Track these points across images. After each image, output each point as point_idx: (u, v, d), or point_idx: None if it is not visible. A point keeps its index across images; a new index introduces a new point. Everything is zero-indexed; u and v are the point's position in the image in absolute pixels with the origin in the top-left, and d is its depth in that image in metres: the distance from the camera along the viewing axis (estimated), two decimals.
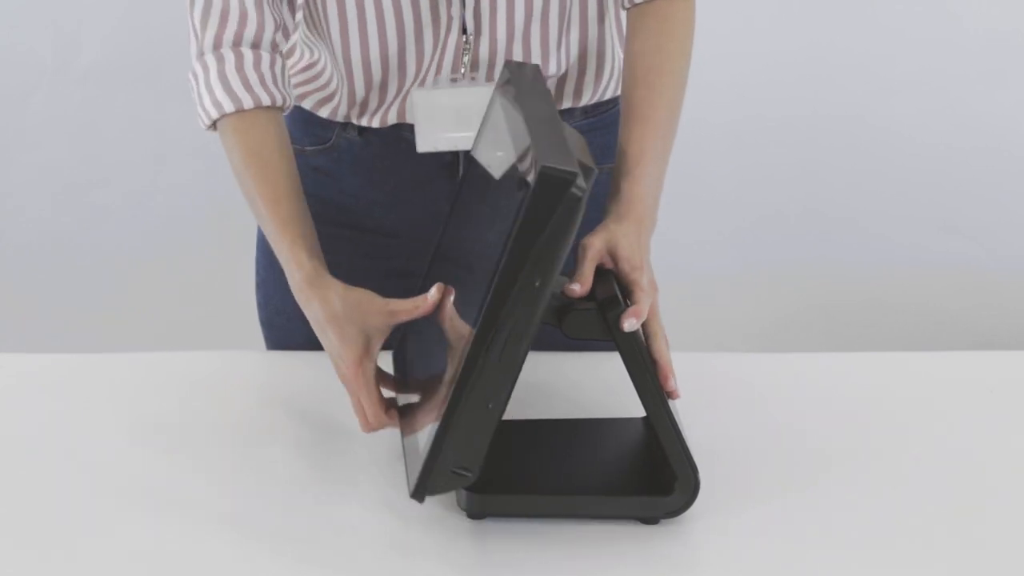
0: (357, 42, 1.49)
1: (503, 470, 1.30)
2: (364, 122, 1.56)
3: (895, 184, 2.97)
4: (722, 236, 2.98)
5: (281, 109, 1.46)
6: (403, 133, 1.55)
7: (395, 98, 1.53)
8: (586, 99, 1.57)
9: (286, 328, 1.64)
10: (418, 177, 1.57)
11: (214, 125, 1.47)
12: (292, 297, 1.63)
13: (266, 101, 1.44)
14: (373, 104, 1.54)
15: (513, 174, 1.18)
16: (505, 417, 1.39)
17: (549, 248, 1.13)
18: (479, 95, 1.45)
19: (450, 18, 1.47)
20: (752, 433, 1.42)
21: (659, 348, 1.28)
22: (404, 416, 1.32)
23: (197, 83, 1.47)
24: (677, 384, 1.26)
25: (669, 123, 1.44)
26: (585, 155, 1.19)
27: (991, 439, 1.42)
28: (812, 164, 2.97)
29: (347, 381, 1.31)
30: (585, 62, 1.55)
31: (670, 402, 1.25)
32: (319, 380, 1.50)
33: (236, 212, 2.82)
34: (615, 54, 1.58)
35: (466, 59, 1.49)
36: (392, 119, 1.54)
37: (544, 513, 1.26)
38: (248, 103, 1.44)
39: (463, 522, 1.26)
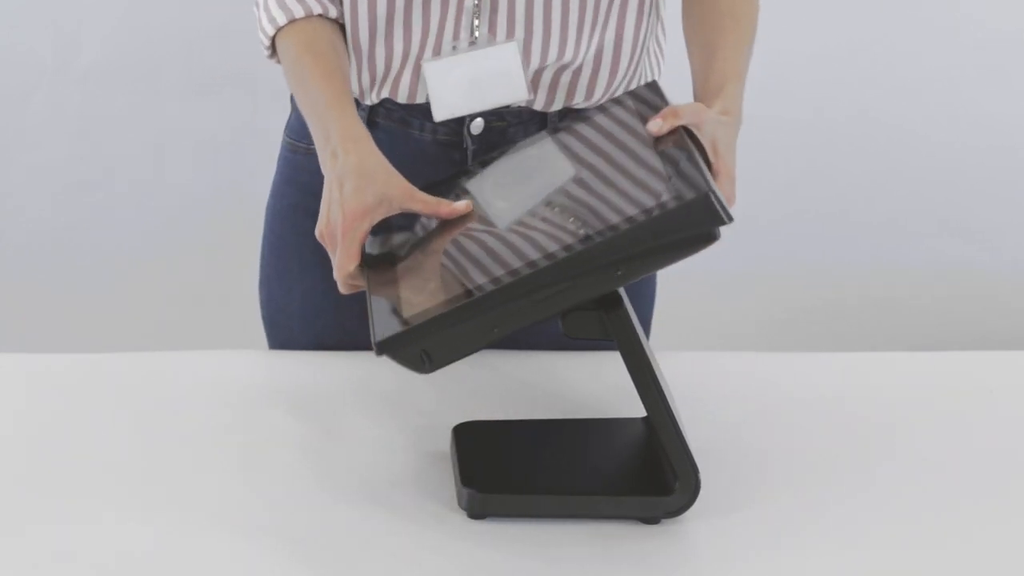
0: None
1: (503, 470, 1.30)
2: (373, 96, 1.54)
3: (895, 184, 2.97)
4: (723, 235, 2.98)
5: (335, 21, 1.50)
6: (411, 129, 1.54)
7: (403, 65, 1.52)
8: (596, 97, 1.56)
9: (287, 326, 1.65)
10: (425, 172, 1.56)
11: (274, 51, 1.51)
12: (294, 295, 1.63)
13: (317, 10, 1.49)
14: (380, 66, 1.53)
15: (660, 173, 1.21)
16: (505, 417, 1.39)
17: (656, 256, 1.17)
18: (493, 56, 1.46)
19: None
20: (752, 433, 1.42)
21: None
22: (382, 271, 1.32)
23: (258, 9, 1.52)
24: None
25: (749, 42, 1.51)
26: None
27: (991, 439, 1.42)
28: (811, 164, 2.97)
29: (335, 233, 1.33)
30: (601, 58, 1.54)
31: (670, 402, 1.25)
32: (320, 380, 1.50)
33: (236, 212, 2.84)
34: (631, 56, 1.57)
35: (477, 23, 1.49)
36: (403, 94, 1.53)
37: (544, 513, 1.26)
38: (299, 12, 1.48)
39: (463, 522, 1.26)
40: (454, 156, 1.54)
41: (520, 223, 1.29)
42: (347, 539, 1.23)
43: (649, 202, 1.20)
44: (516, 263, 1.21)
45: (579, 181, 1.33)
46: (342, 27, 1.52)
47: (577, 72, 1.53)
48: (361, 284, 1.35)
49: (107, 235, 2.94)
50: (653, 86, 1.41)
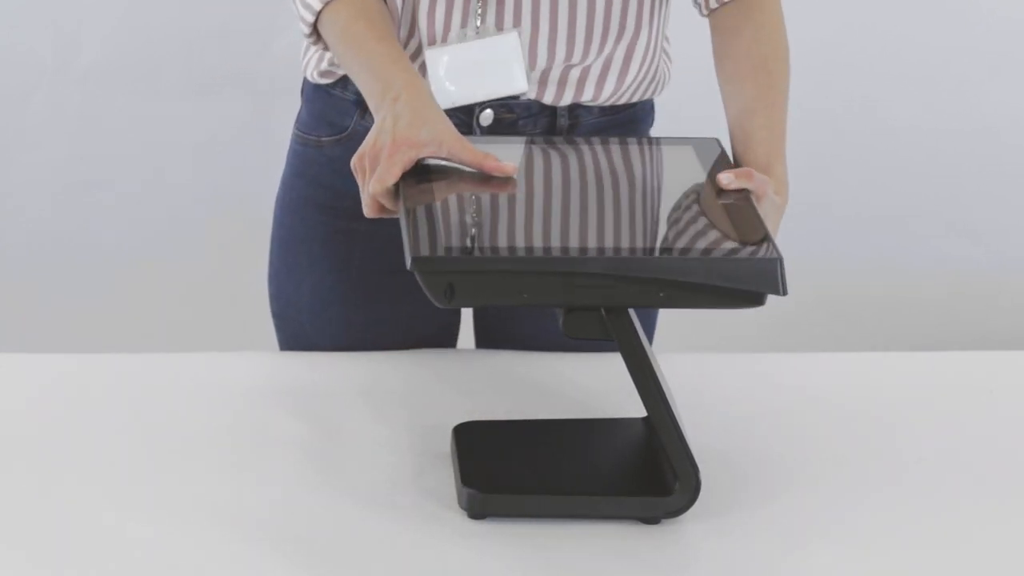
0: None
1: (503, 470, 1.30)
2: None
3: (896, 183, 2.97)
4: None
5: None
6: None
7: (415, 55, 1.51)
8: (604, 97, 1.56)
9: (296, 320, 1.65)
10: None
11: (315, 32, 1.48)
12: (303, 289, 1.63)
13: None
14: None
15: (726, 222, 1.26)
16: (505, 417, 1.39)
17: (703, 296, 1.19)
18: (494, 46, 1.46)
19: None
20: (752, 433, 1.42)
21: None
22: (421, 188, 1.32)
23: None
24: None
25: (786, 105, 1.56)
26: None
27: (991, 439, 1.42)
28: (811, 162, 2.96)
29: (379, 154, 1.33)
30: (611, 65, 1.54)
31: (670, 402, 1.25)
32: (320, 381, 1.50)
33: (236, 212, 2.84)
34: (642, 63, 1.57)
35: (479, 10, 1.49)
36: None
37: (544, 513, 1.26)
38: None
39: (463, 522, 1.26)
40: None
41: (578, 205, 1.30)
42: (347, 539, 1.23)
43: (719, 242, 1.23)
44: (570, 241, 1.22)
45: (643, 195, 1.35)
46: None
47: (586, 71, 1.53)
48: (389, 210, 1.35)
49: (107, 235, 2.94)
50: (714, 143, 1.45)
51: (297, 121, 1.63)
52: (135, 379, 1.51)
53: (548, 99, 1.52)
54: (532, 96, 1.51)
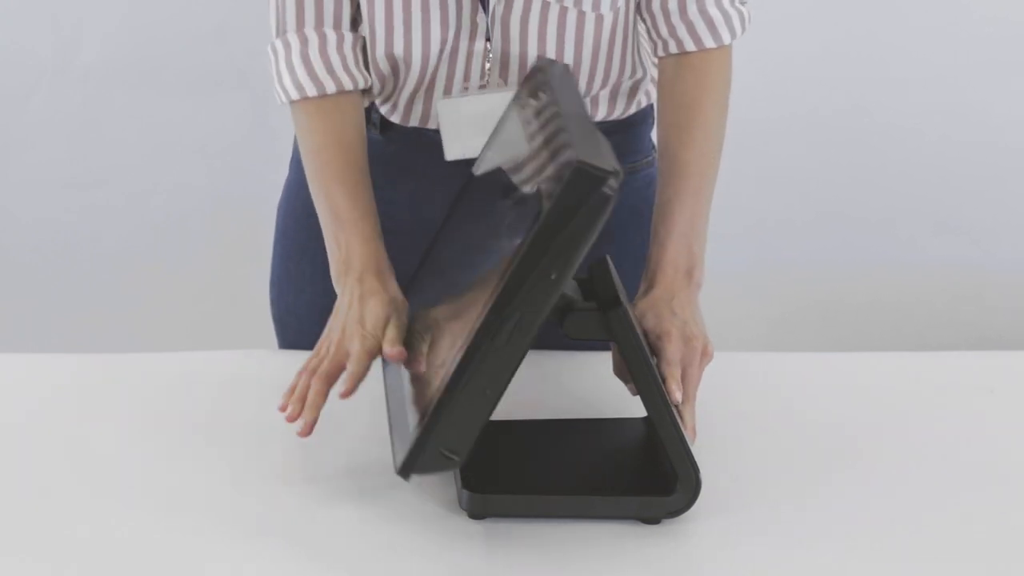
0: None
1: (503, 470, 1.30)
2: (385, 111, 1.54)
3: (896, 183, 2.97)
4: (721, 235, 2.98)
5: (361, 92, 1.48)
6: (426, 133, 1.54)
7: (415, 90, 1.51)
8: (618, 115, 1.57)
9: (296, 328, 1.65)
10: (440, 177, 1.56)
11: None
12: (303, 298, 1.63)
13: (349, 85, 1.45)
14: (388, 87, 1.53)
15: (542, 167, 1.18)
16: (505, 417, 1.39)
17: (571, 243, 1.13)
18: (502, 100, 1.44)
19: (474, 25, 1.46)
20: (752, 433, 1.42)
21: (685, 414, 1.30)
22: (394, 391, 1.32)
23: (277, 59, 1.47)
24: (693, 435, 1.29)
25: (701, 178, 1.46)
26: (614, 159, 1.19)
27: (991, 439, 1.42)
28: (811, 162, 2.96)
29: (357, 349, 1.32)
30: (621, 79, 1.55)
31: (671, 402, 1.26)
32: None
33: (236, 212, 2.84)
34: (646, 68, 1.57)
35: (488, 68, 1.49)
36: (415, 119, 1.54)
37: (545, 513, 1.26)
38: (331, 88, 1.45)
39: (463, 522, 1.26)
40: (469, 161, 1.55)
41: (450, 303, 1.30)
42: (348, 539, 1.23)
43: (535, 206, 1.16)
44: (461, 331, 1.20)
45: (471, 233, 1.33)
46: (365, 92, 1.50)
47: (595, 98, 1.54)
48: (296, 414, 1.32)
49: (107, 235, 2.94)
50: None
51: None
52: (135, 379, 1.51)
53: None
54: None
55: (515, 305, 1.14)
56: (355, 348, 1.32)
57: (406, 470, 1.19)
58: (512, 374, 1.17)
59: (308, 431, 1.30)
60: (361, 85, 1.47)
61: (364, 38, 1.49)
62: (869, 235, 3.00)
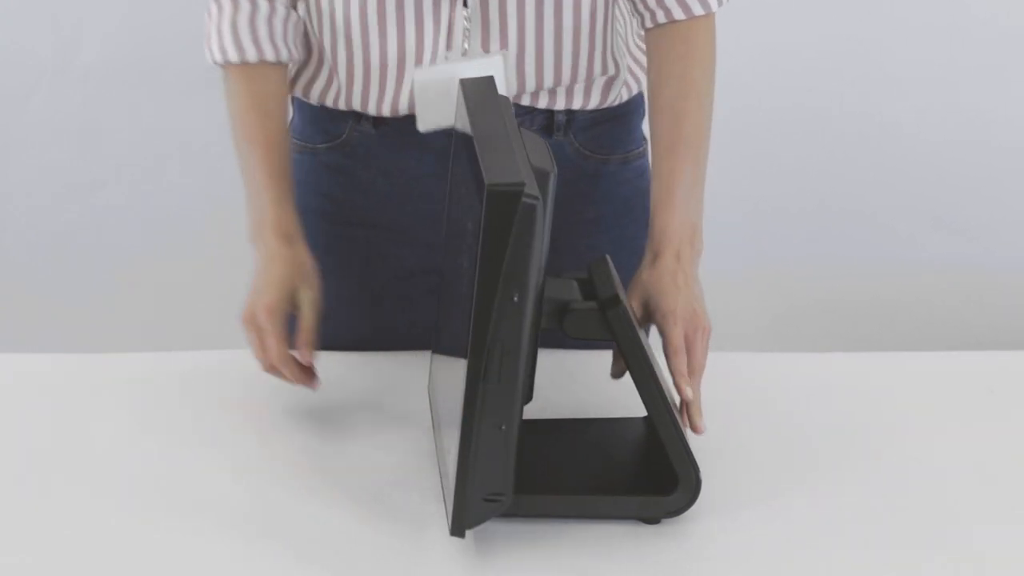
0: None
1: None
2: (372, 110, 1.55)
3: (896, 182, 2.97)
4: (721, 234, 2.98)
5: (286, 65, 1.51)
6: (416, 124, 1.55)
7: (399, 79, 1.52)
8: (594, 105, 1.57)
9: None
10: (431, 168, 1.56)
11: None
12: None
13: (271, 57, 1.49)
14: (375, 86, 1.53)
15: (473, 197, 1.18)
16: None
17: (518, 261, 1.12)
18: (477, 69, 1.45)
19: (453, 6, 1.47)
20: (752, 433, 1.42)
21: (681, 387, 1.32)
22: (440, 441, 1.32)
23: (210, 21, 1.51)
24: (702, 422, 1.32)
25: (698, 149, 1.47)
26: (543, 158, 1.18)
27: (991, 439, 1.42)
28: (811, 160, 2.96)
29: (257, 318, 1.41)
30: (592, 73, 1.55)
31: (670, 402, 1.25)
32: (321, 380, 1.50)
33: (236, 212, 2.83)
34: (619, 66, 1.57)
35: (466, 43, 1.49)
36: (403, 107, 1.53)
37: (545, 513, 1.26)
38: (253, 57, 1.48)
39: None
40: None
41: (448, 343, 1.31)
42: (347, 539, 1.23)
43: (475, 237, 1.15)
44: (460, 375, 1.19)
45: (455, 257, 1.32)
46: (286, 67, 1.53)
47: (571, 89, 1.54)
48: (294, 376, 1.41)
49: (107, 235, 2.94)
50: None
51: (291, 128, 1.63)
52: (135, 379, 1.51)
53: (542, 104, 1.54)
54: (524, 103, 1.52)
55: (491, 340, 1.14)
56: (264, 322, 1.41)
57: (458, 529, 1.19)
58: (519, 399, 1.17)
59: (309, 376, 1.41)
60: (284, 58, 1.50)
61: (304, 20, 1.52)
62: (869, 234, 3.00)
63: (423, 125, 1.50)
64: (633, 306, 1.39)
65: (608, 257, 1.32)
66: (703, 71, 1.50)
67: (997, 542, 1.25)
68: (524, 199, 1.10)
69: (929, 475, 1.35)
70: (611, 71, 1.55)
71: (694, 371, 1.35)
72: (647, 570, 1.20)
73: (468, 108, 1.27)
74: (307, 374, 1.41)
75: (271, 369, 1.40)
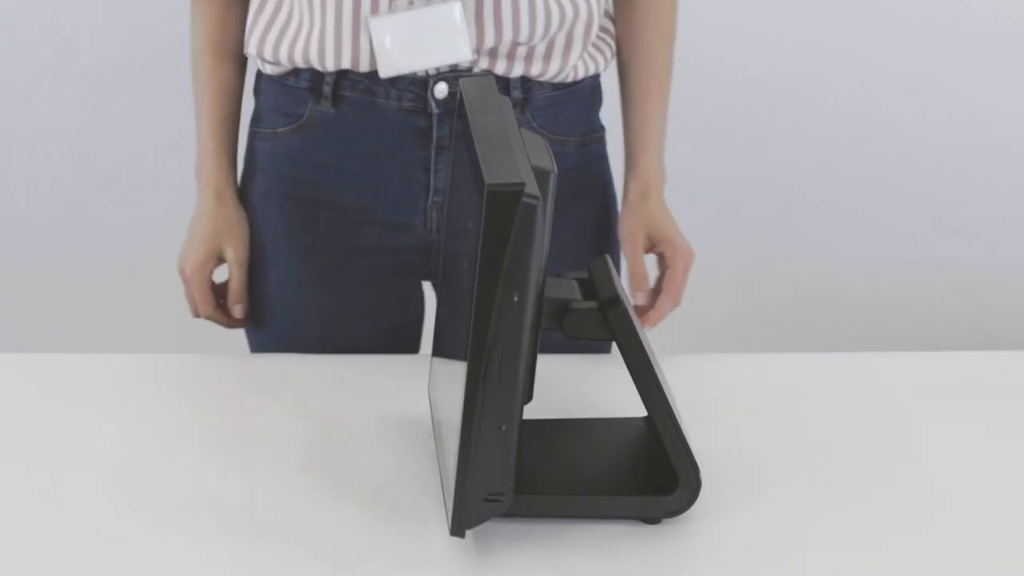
0: None
1: None
2: (331, 64, 1.53)
3: (896, 182, 2.97)
4: (721, 235, 2.98)
5: (246, 9, 1.60)
6: (376, 99, 1.55)
7: (355, 29, 1.52)
8: (551, 75, 1.57)
9: (267, 314, 1.66)
10: (389, 145, 1.56)
11: None
12: (271, 282, 1.65)
13: None
14: (330, 37, 1.52)
15: (474, 197, 1.18)
16: None
17: (517, 262, 1.12)
18: (437, 15, 1.48)
19: None
20: (752, 433, 1.42)
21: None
22: (440, 442, 1.32)
23: None
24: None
25: (666, 90, 1.66)
26: (543, 158, 1.18)
27: (991, 439, 1.42)
28: (811, 160, 2.97)
29: (184, 273, 1.67)
30: (553, 46, 1.55)
31: (670, 402, 1.25)
32: (319, 380, 1.50)
33: None
34: (585, 40, 1.58)
35: None
36: (365, 60, 1.53)
37: (545, 513, 1.26)
38: None
39: None
40: (419, 123, 1.55)
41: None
42: (347, 539, 1.23)
43: (476, 237, 1.15)
44: (460, 375, 1.19)
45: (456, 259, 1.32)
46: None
47: (531, 50, 1.54)
48: (224, 319, 1.66)
49: (107, 235, 2.94)
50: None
51: (253, 117, 1.66)
52: (135, 379, 1.51)
53: (499, 70, 1.54)
54: (483, 67, 1.52)
55: (491, 340, 1.14)
56: (189, 278, 1.65)
57: (457, 529, 1.19)
58: (519, 400, 1.17)
59: (239, 316, 1.67)
60: None
61: None
62: (870, 235, 3.00)
63: (384, 71, 1.51)
64: (637, 238, 1.61)
65: (608, 257, 1.32)
66: (671, 16, 1.65)
67: (997, 542, 1.25)
68: (524, 199, 1.10)
69: (929, 475, 1.35)
70: (569, 16, 1.55)
71: (677, 295, 1.62)
72: (647, 570, 1.20)
73: (468, 108, 1.27)
74: (236, 321, 1.64)
75: (199, 316, 1.62)
